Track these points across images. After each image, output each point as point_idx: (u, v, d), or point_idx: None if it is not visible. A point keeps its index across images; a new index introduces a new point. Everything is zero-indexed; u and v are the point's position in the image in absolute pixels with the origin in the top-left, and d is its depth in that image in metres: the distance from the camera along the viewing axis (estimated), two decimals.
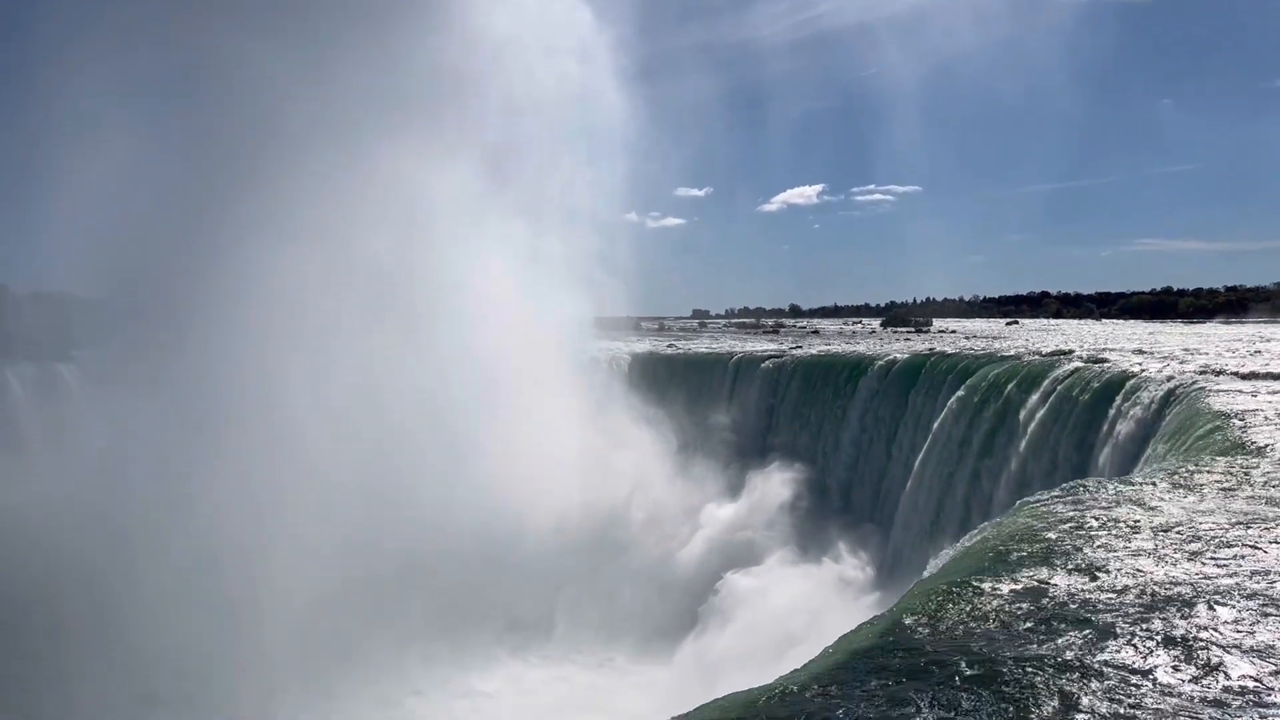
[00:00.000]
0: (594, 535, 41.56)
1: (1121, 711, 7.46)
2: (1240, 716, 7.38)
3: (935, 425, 39.41)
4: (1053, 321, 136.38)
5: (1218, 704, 7.61)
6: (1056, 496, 15.07)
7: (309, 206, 39.38)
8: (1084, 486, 15.73)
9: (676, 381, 57.50)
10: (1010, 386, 37.02)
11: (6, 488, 36.35)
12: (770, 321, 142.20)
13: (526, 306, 46.09)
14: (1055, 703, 7.60)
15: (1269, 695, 7.74)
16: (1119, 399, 30.11)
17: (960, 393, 39.35)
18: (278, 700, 29.38)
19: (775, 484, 47.78)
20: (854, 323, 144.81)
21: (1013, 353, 44.70)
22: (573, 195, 52.95)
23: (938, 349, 52.05)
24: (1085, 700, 7.64)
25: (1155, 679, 8.04)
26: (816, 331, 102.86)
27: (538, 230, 49.70)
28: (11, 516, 34.58)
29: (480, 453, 39.93)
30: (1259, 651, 8.52)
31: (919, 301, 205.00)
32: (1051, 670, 8.10)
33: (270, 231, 37.93)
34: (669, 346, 68.58)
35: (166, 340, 37.27)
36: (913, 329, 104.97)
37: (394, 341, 39.26)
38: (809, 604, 37.51)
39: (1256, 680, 7.99)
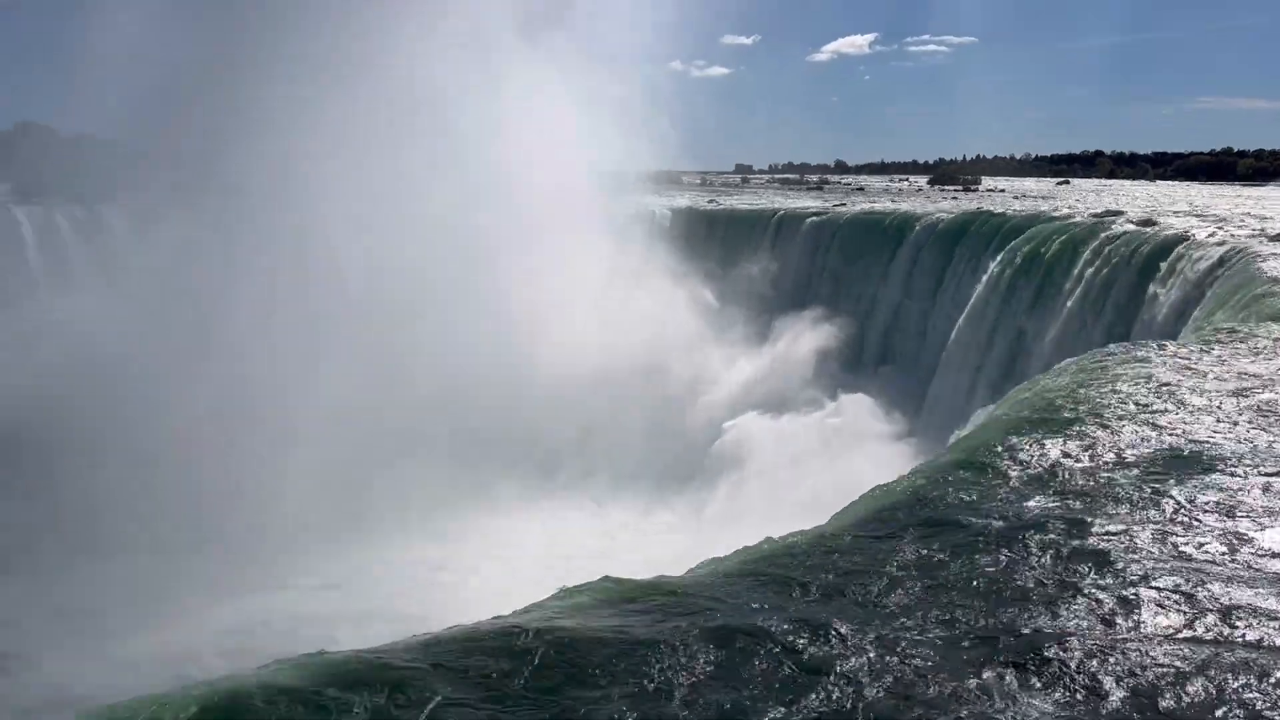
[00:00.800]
0: (622, 383, 41.72)
1: (1159, 575, 7.54)
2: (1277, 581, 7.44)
3: (979, 285, 38.96)
4: (1106, 182, 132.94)
5: (1257, 569, 7.67)
6: (1098, 358, 14.94)
7: (356, 39, 38.88)
8: (1127, 348, 15.58)
9: (717, 237, 56.93)
10: (1057, 247, 36.35)
11: (56, 323, 37.45)
12: (815, 178, 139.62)
13: (569, 152, 45.36)
14: (1089, 564, 7.69)
15: None
16: (1168, 262, 29.53)
17: (1005, 253, 38.73)
18: (302, 539, 29.98)
19: (811, 337, 47.83)
20: (900, 180, 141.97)
21: (1062, 213, 43.73)
22: (621, 39, 51.56)
23: (985, 208, 50.99)
24: (1120, 563, 7.71)
25: (1191, 545, 8.09)
26: (862, 189, 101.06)
27: (587, 74, 48.62)
28: (58, 349, 35.82)
29: (510, 294, 39.71)
30: None
31: (968, 159, 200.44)
32: (1087, 534, 8.17)
33: (315, 65, 37.55)
34: (710, 202, 67.74)
35: (205, 181, 37.55)
36: (961, 188, 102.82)
37: (432, 167, 38.91)
38: (839, 453, 38.00)
39: None
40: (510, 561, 31.24)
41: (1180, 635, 6.57)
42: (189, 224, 37.70)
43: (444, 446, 34.85)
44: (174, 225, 38.26)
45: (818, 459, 37.78)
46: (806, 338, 48.09)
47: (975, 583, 7.29)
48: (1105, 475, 9.52)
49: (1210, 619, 6.76)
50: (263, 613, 27.17)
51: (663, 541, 32.82)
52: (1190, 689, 5.98)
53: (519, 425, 37.18)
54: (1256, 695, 5.92)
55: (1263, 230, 32.11)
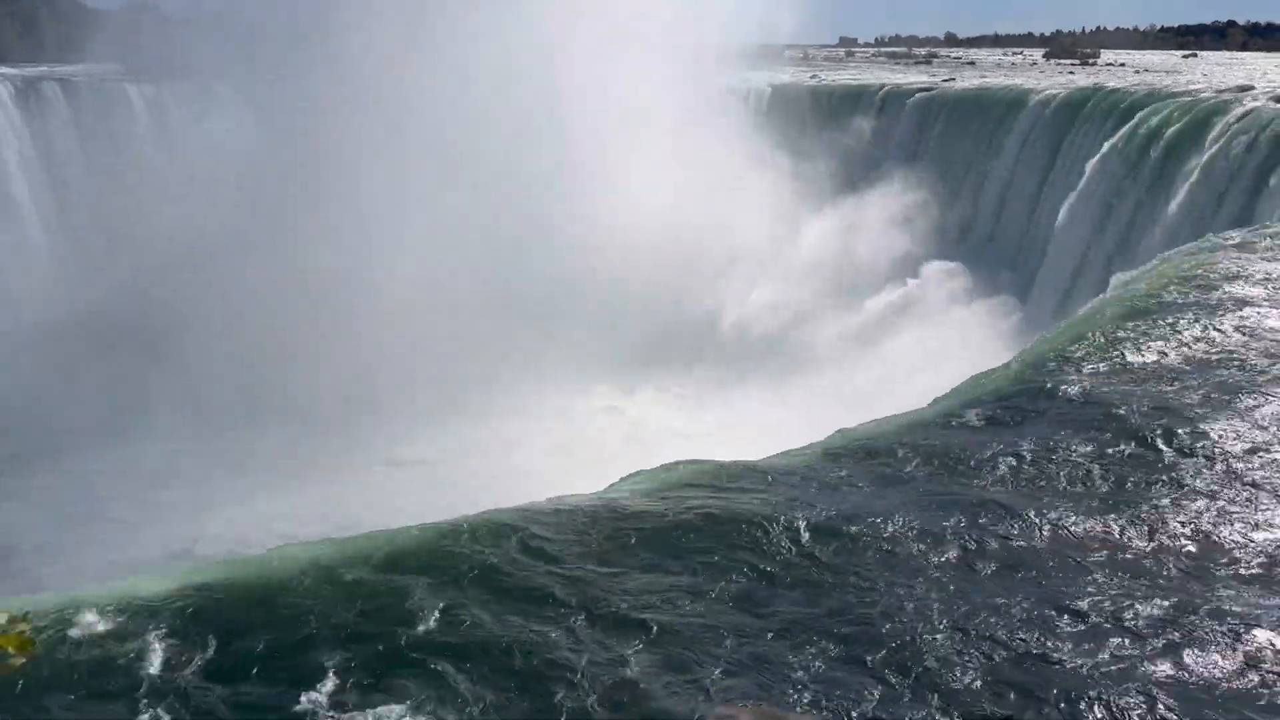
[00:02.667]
0: (694, 269, 41.96)
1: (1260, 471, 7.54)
2: None
3: (1092, 165, 37.54)
4: (1238, 55, 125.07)
5: None
6: (1215, 244, 14.51)
7: None
8: (1247, 234, 15.07)
9: (819, 113, 55.53)
10: (1178, 126, 34.72)
11: (169, 198, 39.11)
12: (923, 51, 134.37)
13: (658, 24, 44.41)
14: (1198, 459, 7.72)
15: None
16: None
17: (1123, 132, 37.14)
18: (393, 417, 31.10)
19: (914, 215, 47.15)
20: (1014, 54, 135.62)
21: (1185, 89, 41.58)
22: None
23: (1102, 84, 48.68)
24: (1228, 455, 7.72)
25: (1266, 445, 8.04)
26: (973, 63, 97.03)
27: None
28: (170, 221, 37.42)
29: (587, 172, 39.67)
30: None
31: (1087, 31, 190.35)
32: (1203, 425, 8.16)
33: None
34: (812, 77, 65.94)
35: (307, 55, 38.13)
36: (1078, 61, 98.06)
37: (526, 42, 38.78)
38: (940, 335, 37.94)
39: None
40: (593, 441, 32.07)
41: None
42: (291, 101, 38.46)
43: (534, 322, 35.58)
44: (279, 102, 39.04)
45: (918, 337, 37.98)
46: (908, 215, 47.33)
47: (1087, 483, 7.40)
48: (1216, 369, 9.41)
49: None
50: (355, 487, 27.97)
51: (747, 423, 33.29)
52: None
53: (590, 303, 37.41)
54: None
55: None
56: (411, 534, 6.57)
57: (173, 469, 29.80)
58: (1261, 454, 7.50)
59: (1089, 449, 7.58)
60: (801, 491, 7.08)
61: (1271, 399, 8.58)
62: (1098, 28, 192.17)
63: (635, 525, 6.53)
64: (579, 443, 31.79)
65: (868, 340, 40.62)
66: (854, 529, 6.53)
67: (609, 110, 40.45)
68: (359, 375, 32.11)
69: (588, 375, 36.01)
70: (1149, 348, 9.97)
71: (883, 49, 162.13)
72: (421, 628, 5.66)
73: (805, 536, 6.39)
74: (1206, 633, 5.32)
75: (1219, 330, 10.32)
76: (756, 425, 32.67)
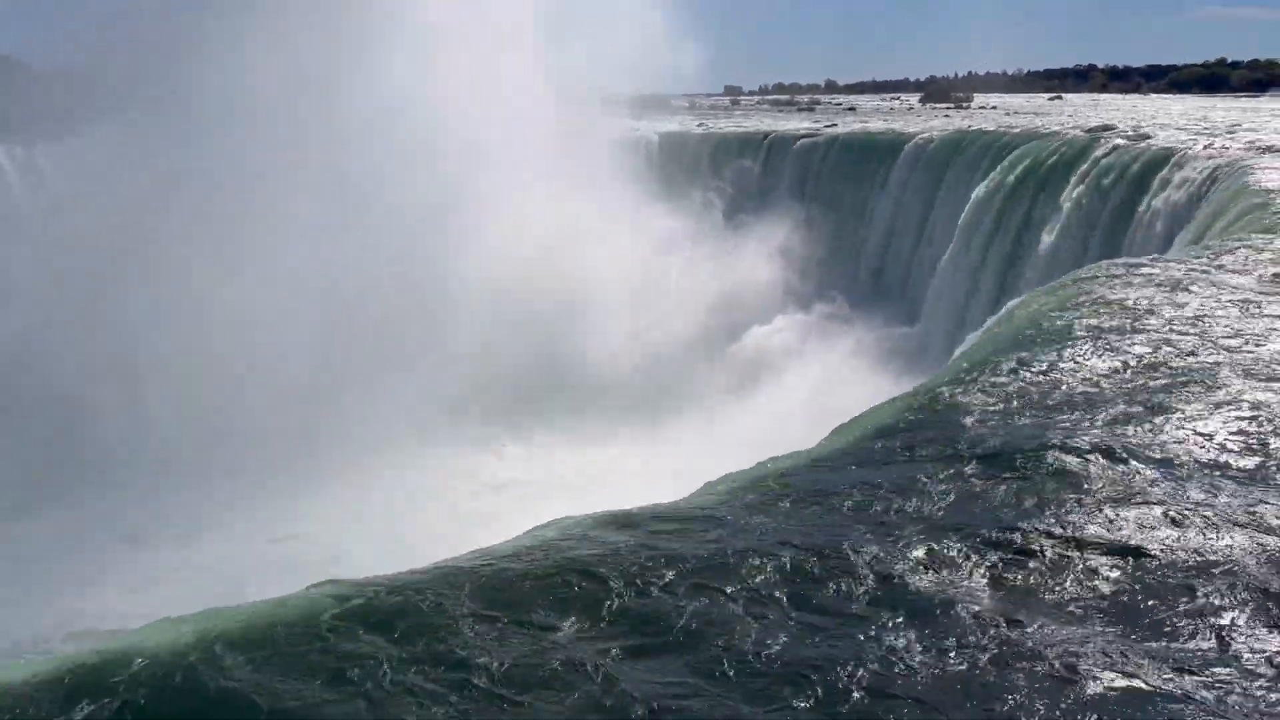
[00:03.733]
0: (608, 310, 41.97)
1: (1142, 491, 7.67)
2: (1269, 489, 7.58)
3: (970, 205, 38.82)
4: (1098, 96, 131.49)
5: (1227, 480, 7.80)
6: (1087, 275, 14.98)
7: None
8: (1117, 264, 15.62)
9: (705, 161, 56.42)
10: (1049, 164, 36.18)
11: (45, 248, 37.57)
12: (806, 98, 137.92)
13: (538, 76, 44.49)
14: (1078, 485, 7.81)
15: None
16: (1160, 176, 29.44)
17: (998, 172, 38.54)
18: (280, 475, 29.55)
19: (802, 257, 48.17)
20: (892, 99, 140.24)
21: (1053, 129, 43.42)
22: None
23: (976, 125, 50.55)
24: (1111, 483, 7.83)
25: (1176, 461, 8.22)
26: (853, 109, 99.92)
27: None
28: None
29: (479, 220, 39.34)
30: None
31: (960, 76, 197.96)
32: (1081, 454, 8.27)
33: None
34: (699, 125, 67.05)
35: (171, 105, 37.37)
36: (953, 105, 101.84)
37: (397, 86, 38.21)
38: (827, 375, 38.49)
39: None
40: (458, 498, 31.17)
41: (1174, 539, 6.71)
42: (156, 150, 37.32)
43: (418, 370, 34.72)
44: (144, 152, 37.82)
45: (802, 373, 38.50)
46: (794, 256, 48.36)
47: (978, 504, 7.42)
48: (1097, 390, 9.62)
49: (1204, 528, 6.91)
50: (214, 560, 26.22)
51: (626, 470, 32.83)
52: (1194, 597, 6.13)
53: (455, 350, 36.37)
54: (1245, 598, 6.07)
55: (1253, 142, 31.96)
56: (261, 610, 6.19)
57: (47, 539, 28.30)
58: (1158, 481, 7.63)
59: (986, 480, 7.60)
60: (692, 538, 6.93)
61: (1165, 425, 8.77)
62: (970, 73, 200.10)
63: (510, 585, 6.29)
64: (441, 499, 30.74)
65: (752, 379, 40.82)
66: (748, 574, 6.40)
67: (484, 154, 40.05)
68: (215, 440, 30.93)
69: (452, 426, 34.87)
70: (1036, 375, 10.16)
71: (767, 97, 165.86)
72: (292, 704, 5.31)
73: (697, 585, 6.25)
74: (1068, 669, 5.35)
75: (1102, 356, 10.59)
76: (637, 471, 32.34)
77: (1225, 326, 11.59)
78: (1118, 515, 7.10)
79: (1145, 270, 14.91)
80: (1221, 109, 67.90)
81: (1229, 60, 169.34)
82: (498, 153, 40.60)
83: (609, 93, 53.98)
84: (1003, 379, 10.17)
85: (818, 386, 36.89)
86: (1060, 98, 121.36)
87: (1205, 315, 12.10)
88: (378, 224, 36.39)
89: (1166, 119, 51.07)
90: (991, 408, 9.40)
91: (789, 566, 6.47)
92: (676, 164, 54.21)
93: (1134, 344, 10.97)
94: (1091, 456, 8.02)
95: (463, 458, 34.13)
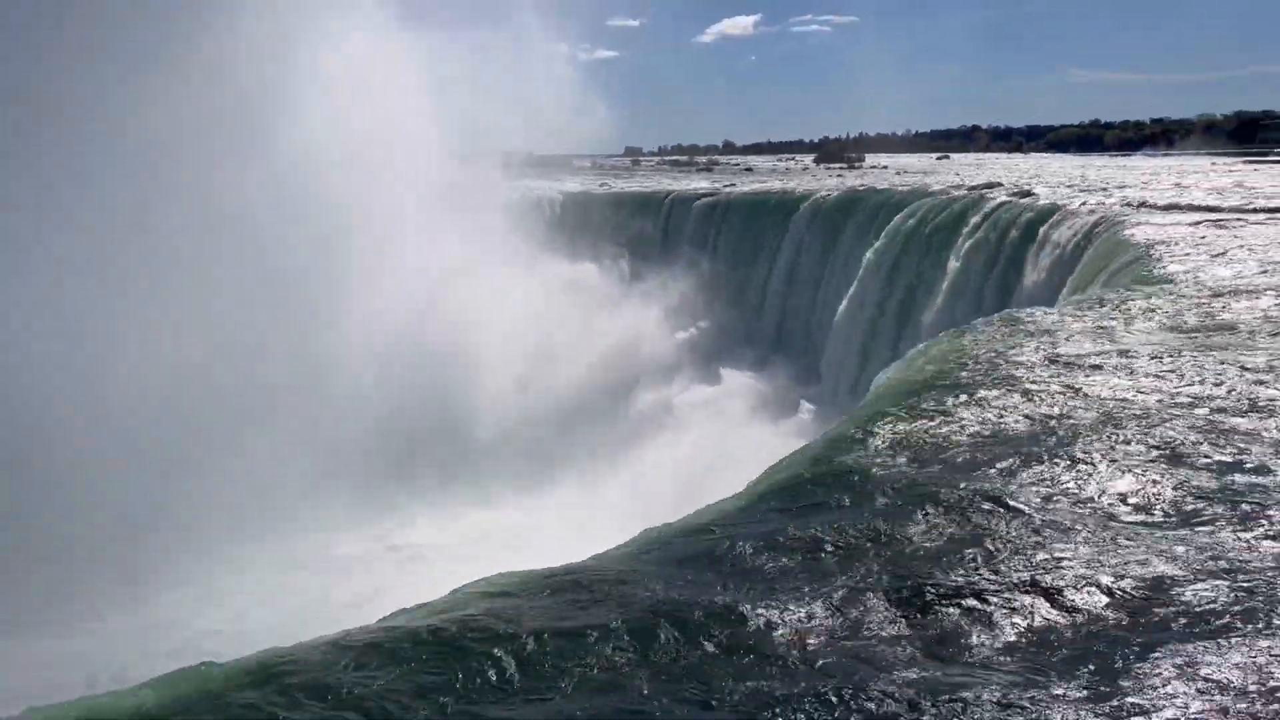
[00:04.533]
0: (508, 373, 41.68)
1: (1046, 533, 7.75)
2: (1175, 528, 7.71)
3: (865, 261, 39.80)
4: (983, 156, 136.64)
5: (1132, 524, 7.93)
6: (975, 328, 15.33)
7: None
8: (1005, 316, 16.03)
9: (607, 220, 56.99)
10: (938, 221, 37.35)
11: None
12: (704, 159, 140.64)
13: (432, 133, 44.11)
14: (992, 531, 7.86)
15: (1208, 507, 8.08)
16: (1043, 232, 30.55)
17: (890, 229, 39.63)
18: (194, 550, 28.15)
19: (701, 316, 48.77)
20: (787, 159, 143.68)
21: (941, 187, 44.87)
22: (502, 12, 50.68)
23: (868, 184, 52.01)
24: (1022, 528, 7.90)
25: (1071, 507, 8.34)
26: (750, 169, 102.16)
27: (464, 50, 47.76)
28: None
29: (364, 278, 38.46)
30: (1186, 459, 8.86)
31: (852, 137, 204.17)
32: (988, 500, 8.34)
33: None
34: (602, 185, 67.67)
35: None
36: (845, 165, 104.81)
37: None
38: (729, 430, 38.71)
39: (1198, 489, 8.33)
40: (345, 574, 29.40)
41: (1077, 583, 6.76)
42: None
43: (294, 430, 32.99)
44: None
45: (701, 437, 38.46)
46: (693, 311, 48.98)
47: (879, 553, 7.41)
48: (985, 442, 9.76)
49: (1088, 575, 6.99)
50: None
51: (521, 533, 31.84)
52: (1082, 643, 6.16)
53: (336, 413, 34.94)
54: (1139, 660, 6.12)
55: (1127, 199, 33.43)
56: (164, 689, 5.83)
57: None
58: (1053, 526, 7.73)
59: (895, 529, 7.60)
60: (608, 603, 6.77)
61: (1059, 473, 8.93)
62: (862, 134, 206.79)
63: (419, 660, 6.05)
64: (322, 578, 29.03)
65: (647, 438, 40.79)
66: (669, 637, 6.26)
67: (368, 209, 39.12)
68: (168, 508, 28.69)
69: (334, 496, 32.88)
70: (939, 422, 10.28)
71: (666, 157, 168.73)
72: None
73: (615, 646, 6.09)
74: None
75: (997, 404, 10.77)
76: (535, 534, 31.42)
77: (1113, 374, 11.92)
78: (1016, 561, 7.15)
79: (1035, 321, 15.33)
80: (1096, 166, 71.19)
81: (1102, 121, 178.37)
82: (385, 208, 39.95)
83: (514, 153, 54.17)
84: (905, 427, 10.27)
85: (717, 442, 37.05)
86: (947, 157, 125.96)
87: (1093, 365, 12.44)
88: (255, 274, 34.62)
89: (1048, 176, 53.26)
90: (893, 457, 9.46)
91: (694, 626, 6.34)
92: (578, 222, 54.63)
93: (1028, 393, 11.20)
94: (988, 504, 8.10)
95: (340, 526, 32.41)
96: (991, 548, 7.38)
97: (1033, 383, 11.61)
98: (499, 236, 45.77)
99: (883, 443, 9.94)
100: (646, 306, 50.24)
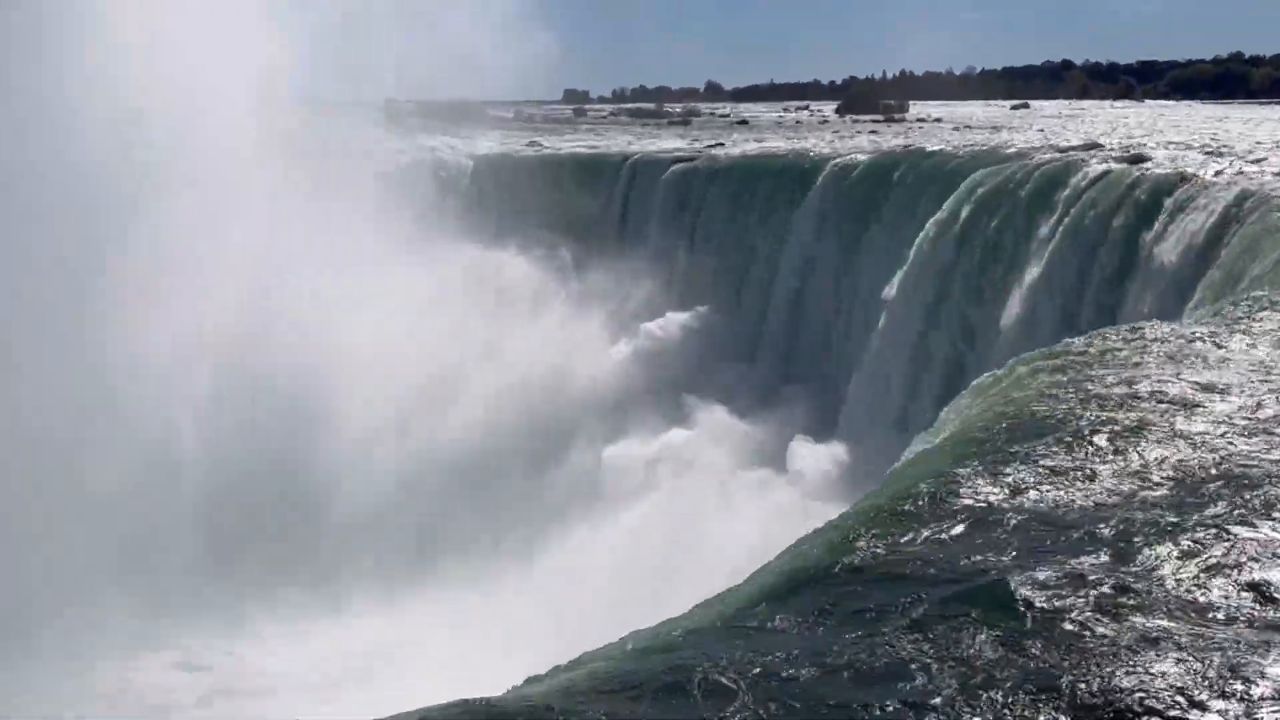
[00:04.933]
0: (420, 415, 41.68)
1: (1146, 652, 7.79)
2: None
3: (910, 257, 39.90)
4: (1077, 103, 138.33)
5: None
6: (1072, 352, 15.39)
7: None
8: (1110, 337, 16.10)
9: (537, 196, 56.85)
10: (1014, 200, 37.53)
11: None
12: (679, 108, 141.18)
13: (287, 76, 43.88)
14: (1073, 642, 7.89)
15: None
16: (1163, 215, 30.81)
17: (944, 210, 39.75)
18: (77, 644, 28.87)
19: (682, 337, 48.49)
20: (799, 108, 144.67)
21: (1019, 149, 45.18)
22: None
23: (914, 144, 52.34)
24: (1120, 647, 7.93)
25: (1193, 609, 8.38)
26: (745, 121, 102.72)
27: None
28: None
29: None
30: None
31: (891, 77, 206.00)
32: (1075, 598, 8.36)
33: None
34: (530, 145, 67.56)
35: None
36: (881, 116, 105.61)
37: None
38: (704, 498, 38.35)
39: None
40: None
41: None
42: None
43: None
44: None
45: (661, 509, 38.07)
46: (665, 328, 48.70)
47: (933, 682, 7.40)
48: (1093, 512, 9.79)
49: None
50: None
51: (423, 653, 31.92)
52: None
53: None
54: None
55: None
56: None
57: None
58: (1168, 630, 7.78)
59: (950, 645, 7.63)
60: None
61: (1187, 561, 8.97)
62: (904, 72, 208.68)
63: None
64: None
65: (579, 511, 40.44)
66: None
67: (166, 180, 38.77)
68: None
69: (126, 600, 32.85)
70: (1009, 492, 10.28)
71: (625, 105, 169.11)
72: None
73: None
74: None
75: (1097, 464, 10.82)
76: (410, 657, 31.55)
77: (1267, 420, 11.98)
78: (1128, 681, 7.18)
79: (1153, 341, 15.43)
80: (1239, 119, 72.05)
81: (1247, 55, 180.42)
82: (203, 176, 39.57)
83: (399, 101, 54.01)
84: (964, 499, 10.26)
85: (692, 518, 36.76)
86: (1027, 105, 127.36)
87: (1239, 405, 12.51)
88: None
89: (1168, 134, 53.84)
90: (950, 539, 9.47)
91: None
92: (497, 196, 54.46)
93: (1143, 448, 11.24)
94: (1086, 602, 8.11)
95: (137, 645, 32.39)
96: (1083, 665, 7.39)
97: (1151, 435, 11.63)
98: (374, 216, 45.17)
99: (934, 519, 9.92)
100: (590, 316, 50.10)
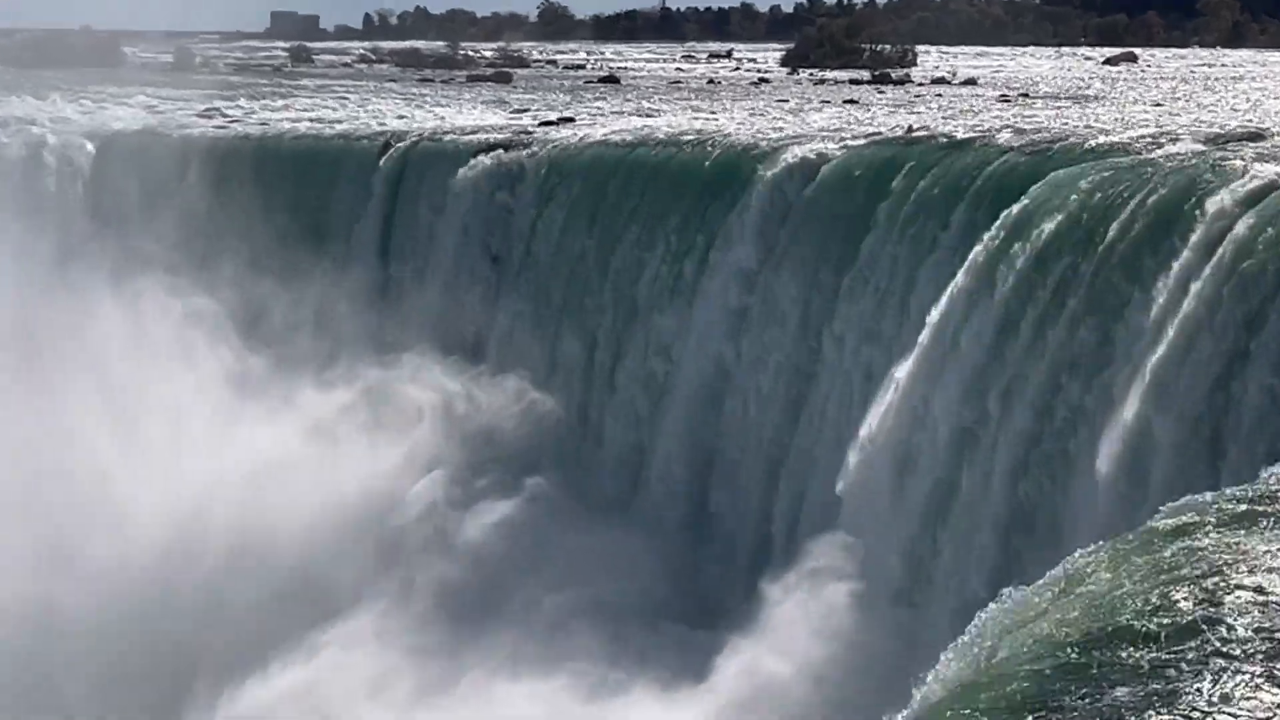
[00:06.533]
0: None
1: None
2: None
3: (931, 318, 40.35)
4: (1220, 54, 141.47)
5: None
6: (1211, 520, 15.61)
7: None
8: None
9: (234, 204, 57.40)
10: (1113, 229, 38.23)
11: None
12: (489, 50, 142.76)
13: None
14: None
15: None
16: None
17: (980, 246, 40.34)
18: None
19: (456, 445, 49.60)
20: (716, 56, 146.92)
21: (1117, 139, 45.97)
22: None
23: (924, 129, 53.25)
24: None
25: None
26: (613, 78, 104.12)
27: None
28: None
29: None
30: None
31: (879, 3, 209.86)
32: None
33: None
34: (209, 113, 68.16)
35: None
36: (867, 73, 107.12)
37: None
38: None
39: None
40: None
41: None
42: None
43: None
44: None
45: None
46: (438, 455, 49.67)
47: None
48: None
49: None
50: None
51: None
52: None
53: None
54: None
55: None
56: None
57: None
58: None
59: None
60: None
61: None
62: None
63: None
64: None
65: None
66: None
67: None
68: None
69: None
70: None
71: (386, 45, 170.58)
72: None
73: None
74: None
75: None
76: None
77: None
78: None
79: None
80: None
81: None
82: None
83: None
84: None
85: None
86: (1133, 59, 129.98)
87: None
88: None
89: None
90: None
91: None
92: (141, 200, 55.10)
93: None
94: None
95: None
96: None
97: None
98: None
99: None
100: (286, 418, 50.89)
